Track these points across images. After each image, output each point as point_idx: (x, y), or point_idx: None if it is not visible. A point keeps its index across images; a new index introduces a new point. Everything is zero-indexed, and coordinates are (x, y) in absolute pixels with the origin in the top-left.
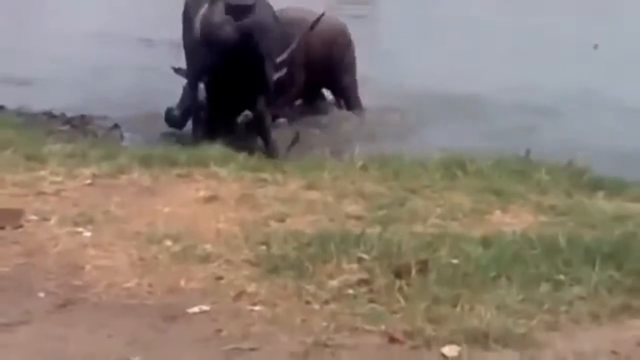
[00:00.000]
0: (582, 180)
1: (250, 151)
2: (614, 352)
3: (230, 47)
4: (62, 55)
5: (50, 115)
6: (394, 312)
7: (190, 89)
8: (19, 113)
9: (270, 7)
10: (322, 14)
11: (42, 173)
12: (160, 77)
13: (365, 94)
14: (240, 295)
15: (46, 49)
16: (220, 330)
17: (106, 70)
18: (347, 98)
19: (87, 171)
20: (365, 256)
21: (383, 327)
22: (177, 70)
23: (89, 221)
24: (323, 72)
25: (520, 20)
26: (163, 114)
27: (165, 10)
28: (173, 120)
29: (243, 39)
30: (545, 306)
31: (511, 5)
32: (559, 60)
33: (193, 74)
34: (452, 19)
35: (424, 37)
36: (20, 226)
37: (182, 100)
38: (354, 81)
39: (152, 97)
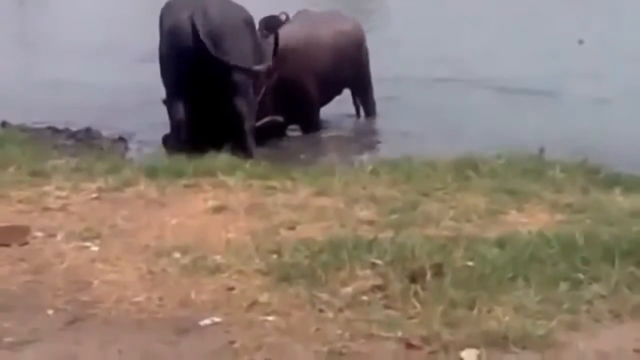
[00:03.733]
0: (598, 177)
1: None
2: (636, 351)
3: (193, 56)
4: (66, 69)
5: (54, 130)
6: (410, 318)
7: (168, 105)
8: (23, 129)
9: (241, 11)
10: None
11: (48, 188)
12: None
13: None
14: (252, 305)
15: (50, 63)
16: (233, 342)
17: (110, 83)
18: (367, 98)
19: (93, 185)
20: (378, 261)
21: (399, 333)
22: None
23: (96, 236)
24: (350, 73)
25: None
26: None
27: None
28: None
29: (204, 46)
30: (565, 306)
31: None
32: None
33: (168, 89)
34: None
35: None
36: (27, 243)
37: None
38: (371, 81)
39: (157, 109)
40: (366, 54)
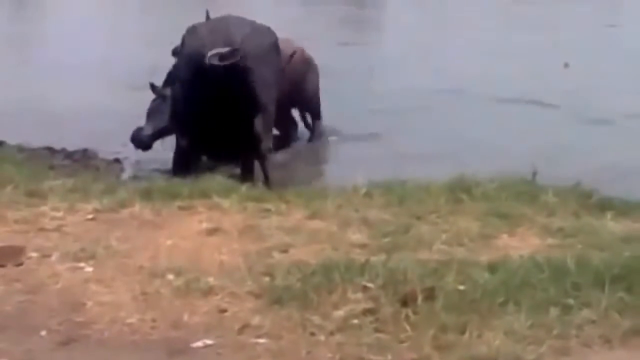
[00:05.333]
0: (590, 201)
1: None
2: None
3: (218, 76)
4: (62, 89)
5: (51, 150)
6: (401, 341)
7: (181, 134)
8: (20, 149)
9: (268, 34)
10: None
11: (43, 209)
12: None
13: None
14: (244, 328)
15: (46, 83)
16: None
17: (105, 104)
18: (315, 111)
19: (88, 206)
20: (370, 285)
21: (390, 357)
22: (153, 88)
23: (90, 256)
24: (298, 93)
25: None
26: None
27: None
28: (141, 140)
29: (230, 67)
30: (555, 331)
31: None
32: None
33: (184, 114)
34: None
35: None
36: (22, 263)
37: (150, 120)
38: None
39: None
40: (312, 80)
